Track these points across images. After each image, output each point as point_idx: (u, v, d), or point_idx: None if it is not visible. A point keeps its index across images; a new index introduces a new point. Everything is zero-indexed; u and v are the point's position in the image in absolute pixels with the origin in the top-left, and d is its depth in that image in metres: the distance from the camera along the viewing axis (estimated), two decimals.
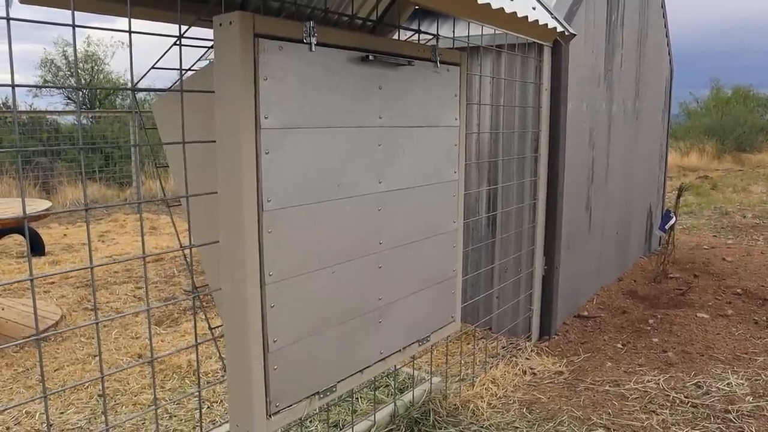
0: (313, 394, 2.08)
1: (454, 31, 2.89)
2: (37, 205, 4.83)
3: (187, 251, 1.95)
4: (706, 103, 24.53)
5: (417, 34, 2.89)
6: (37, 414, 3.25)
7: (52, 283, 6.12)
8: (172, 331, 4.56)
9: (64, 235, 8.99)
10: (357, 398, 3.08)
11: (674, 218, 5.17)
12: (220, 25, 1.71)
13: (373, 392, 3.13)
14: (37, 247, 7.64)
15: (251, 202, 1.76)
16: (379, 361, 2.38)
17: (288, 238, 1.88)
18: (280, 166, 1.82)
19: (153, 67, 2.07)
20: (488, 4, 1.93)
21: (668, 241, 5.40)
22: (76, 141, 14.00)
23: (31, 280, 1.60)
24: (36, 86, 2.22)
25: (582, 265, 4.65)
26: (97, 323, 1.66)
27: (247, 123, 1.72)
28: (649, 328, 4.28)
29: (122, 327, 4.68)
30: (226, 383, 1.94)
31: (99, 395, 3.50)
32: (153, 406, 3.29)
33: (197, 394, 3.34)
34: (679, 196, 5.33)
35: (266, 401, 1.90)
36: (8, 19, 1.46)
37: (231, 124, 1.72)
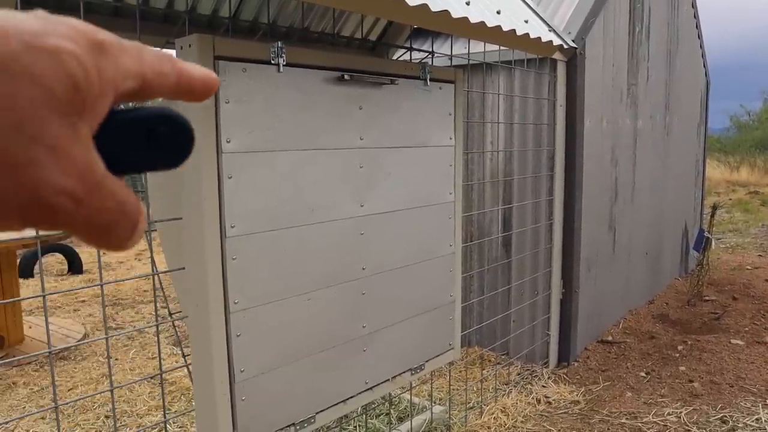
0: (288, 426, 2.00)
1: (452, 49, 2.81)
2: None
3: (159, 277, 1.92)
4: (759, 115, 23.57)
5: (422, 53, 2.82)
6: None
7: (83, 301, 6.26)
8: (189, 352, 4.56)
9: (104, 253, 9.21)
10: (354, 426, 2.99)
11: (708, 237, 4.90)
12: (181, 48, 1.68)
13: (372, 420, 3.03)
14: (75, 266, 7.85)
15: (213, 229, 1.71)
16: (365, 390, 2.29)
17: (255, 265, 1.82)
18: (245, 191, 1.77)
19: None
20: (465, 19, 1.85)
21: (702, 261, 5.12)
22: None
23: (44, 297, 1.64)
24: None
25: (606, 288, 4.45)
26: (107, 338, 1.64)
27: (207, 147, 1.67)
28: (677, 355, 4.04)
29: (140, 347, 4.72)
30: (195, 412, 1.89)
31: (107, 416, 3.51)
32: (154, 427, 3.27)
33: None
34: (712, 215, 5.06)
35: None
36: None
37: None
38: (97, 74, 0.27)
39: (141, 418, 3.48)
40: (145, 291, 6.61)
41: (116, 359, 4.51)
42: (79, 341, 4.75)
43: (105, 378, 4.12)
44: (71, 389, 3.94)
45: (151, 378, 3.85)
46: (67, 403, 3.48)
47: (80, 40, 0.27)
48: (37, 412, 3.29)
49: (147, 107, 0.31)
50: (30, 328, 5.04)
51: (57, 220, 0.27)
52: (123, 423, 3.42)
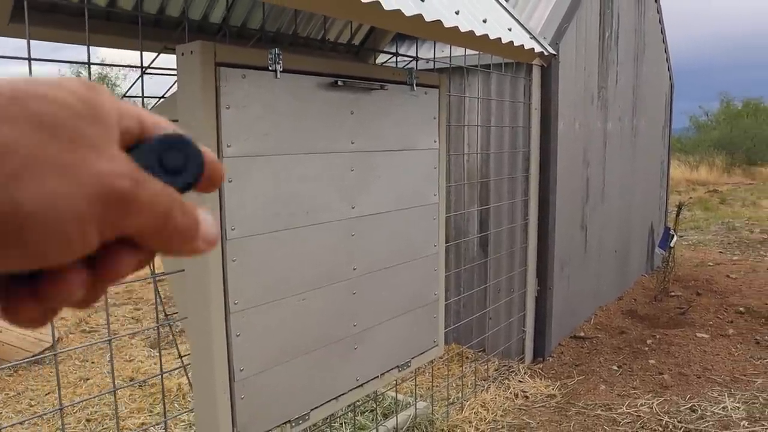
0: (285, 423, 2.05)
1: (434, 54, 2.89)
2: None
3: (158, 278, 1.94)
4: (716, 116, 24.36)
5: (399, 58, 2.89)
6: None
7: None
8: (166, 354, 4.55)
9: None
10: (340, 423, 3.05)
11: (674, 236, 5.10)
12: (182, 54, 1.71)
13: (358, 417, 3.09)
14: None
15: None
16: (356, 387, 2.35)
17: (254, 266, 1.86)
18: (244, 195, 1.81)
19: (124, 96, 2.08)
20: (456, 28, 1.92)
21: (668, 258, 5.32)
22: None
23: None
24: None
25: (578, 285, 4.60)
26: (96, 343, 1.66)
27: None
28: (646, 348, 4.21)
29: (117, 349, 4.68)
30: (194, 411, 1.92)
31: (88, 419, 3.49)
32: (138, 430, 3.27)
33: (182, 418, 3.32)
34: (678, 214, 5.26)
35: (233, 431, 1.88)
36: (29, 59, 1.54)
37: None
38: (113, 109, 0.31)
39: (123, 420, 3.47)
40: (116, 293, 6.52)
41: (92, 362, 4.47)
42: (51, 346, 4.67)
43: (82, 381, 4.09)
44: (49, 393, 3.89)
45: (149, 381, 3.84)
46: (73, 404, 3.45)
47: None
48: (41, 416, 3.26)
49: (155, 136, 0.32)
50: (1, 332, 4.94)
51: (129, 209, 0.28)
52: (105, 426, 3.41)
